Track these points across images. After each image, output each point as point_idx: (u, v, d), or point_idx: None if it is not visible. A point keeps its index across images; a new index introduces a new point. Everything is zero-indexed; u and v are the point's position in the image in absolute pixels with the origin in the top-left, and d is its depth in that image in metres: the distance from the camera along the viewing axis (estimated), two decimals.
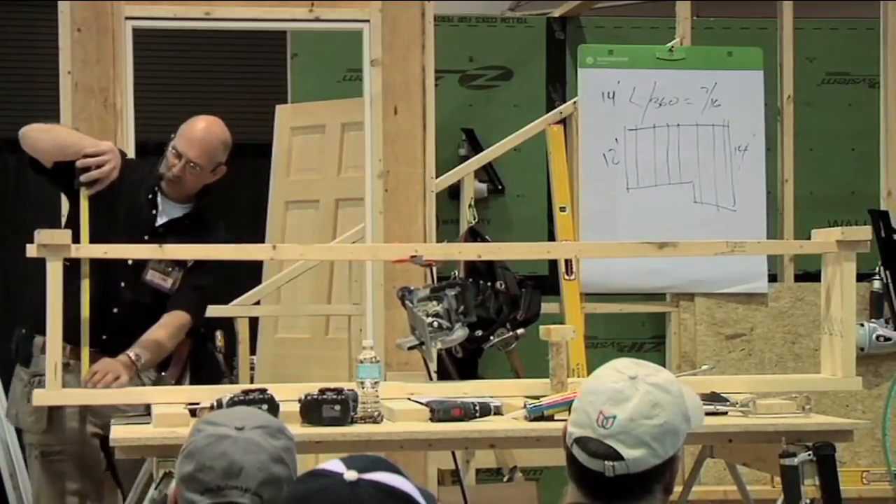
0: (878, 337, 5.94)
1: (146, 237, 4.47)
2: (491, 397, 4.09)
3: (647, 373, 2.41)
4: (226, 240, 4.55)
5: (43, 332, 4.19)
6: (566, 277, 6.02)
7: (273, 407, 3.71)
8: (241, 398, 3.74)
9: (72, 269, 4.26)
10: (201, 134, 4.53)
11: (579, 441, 2.38)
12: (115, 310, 4.49)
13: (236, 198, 6.86)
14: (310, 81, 6.78)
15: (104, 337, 4.44)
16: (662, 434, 2.36)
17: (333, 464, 1.91)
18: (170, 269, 4.51)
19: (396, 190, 5.67)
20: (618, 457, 2.34)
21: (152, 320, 4.46)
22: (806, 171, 6.45)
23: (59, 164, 4.47)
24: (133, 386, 4.32)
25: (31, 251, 4.01)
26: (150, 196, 4.56)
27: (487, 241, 5.93)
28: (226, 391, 3.89)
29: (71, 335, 4.25)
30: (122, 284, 4.50)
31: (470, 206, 6.21)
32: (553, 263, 6.26)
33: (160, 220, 4.55)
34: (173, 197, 4.57)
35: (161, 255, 4.30)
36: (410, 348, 4.42)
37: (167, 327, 4.46)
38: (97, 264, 4.35)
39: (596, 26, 6.90)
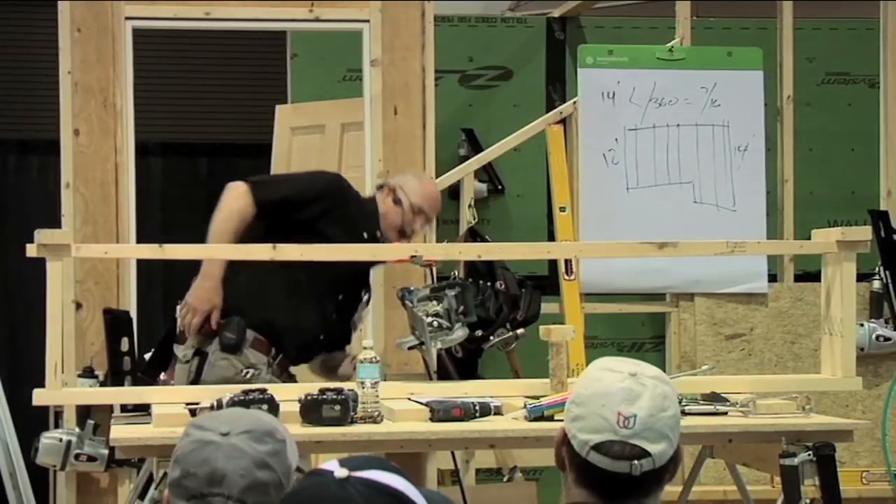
0: (878, 337, 5.94)
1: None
2: (491, 397, 4.09)
3: (640, 369, 2.40)
4: None
5: (254, 329, 4.59)
6: (566, 277, 6.02)
7: (273, 407, 3.71)
8: (241, 398, 3.74)
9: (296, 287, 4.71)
10: (437, 194, 5.08)
11: (600, 447, 2.34)
12: (321, 337, 4.82)
13: None
14: (310, 81, 6.77)
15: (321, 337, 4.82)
16: (675, 424, 2.37)
17: (331, 464, 1.92)
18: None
19: None
20: (644, 454, 2.32)
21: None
22: (806, 171, 6.44)
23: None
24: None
25: (31, 251, 4.01)
26: (367, 237, 4.81)
27: (487, 241, 5.92)
28: (226, 391, 3.89)
29: (293, 350, 4.73)
30: (334, 316, 4.82)
31: (470, 206, 6.19)
32: (553, 263, 6.25)
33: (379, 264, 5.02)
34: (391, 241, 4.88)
35: (161, 254, 4.30)
36: (410, 348, 4.42)
37: None
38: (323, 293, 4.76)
39: (596, 26, 6.89)
